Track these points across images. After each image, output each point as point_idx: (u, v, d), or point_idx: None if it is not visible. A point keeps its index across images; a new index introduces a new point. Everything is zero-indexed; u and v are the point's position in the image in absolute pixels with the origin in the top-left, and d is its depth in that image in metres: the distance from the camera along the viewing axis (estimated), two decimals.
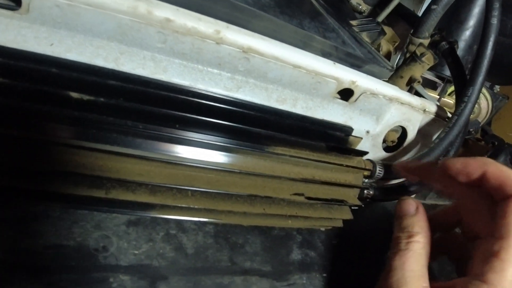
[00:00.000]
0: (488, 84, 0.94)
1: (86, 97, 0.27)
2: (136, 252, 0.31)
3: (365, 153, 0.38)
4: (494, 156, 0.89)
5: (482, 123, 0.90)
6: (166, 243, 0.32)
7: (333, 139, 0.38)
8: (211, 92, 0.36)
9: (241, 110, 0.33)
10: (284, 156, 0.32)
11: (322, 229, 0.41)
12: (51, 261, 0.29)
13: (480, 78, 0.46)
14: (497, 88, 0.96)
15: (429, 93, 0.69)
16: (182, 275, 0.31)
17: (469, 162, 0.33)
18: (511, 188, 0.30)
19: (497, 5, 0.48)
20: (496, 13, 0.48)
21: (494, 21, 0.48)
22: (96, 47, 0.33)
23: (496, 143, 0.87)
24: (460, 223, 0.37)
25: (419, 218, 0.34)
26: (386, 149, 0.51)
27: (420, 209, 0.35)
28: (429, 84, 0.84)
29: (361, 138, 0.40)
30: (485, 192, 0.32)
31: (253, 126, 0.32)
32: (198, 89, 0.35)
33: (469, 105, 0.46)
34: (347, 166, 0.35)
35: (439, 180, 0.35)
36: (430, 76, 0.78)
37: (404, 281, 0.30)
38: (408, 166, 0.37)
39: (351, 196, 0.37)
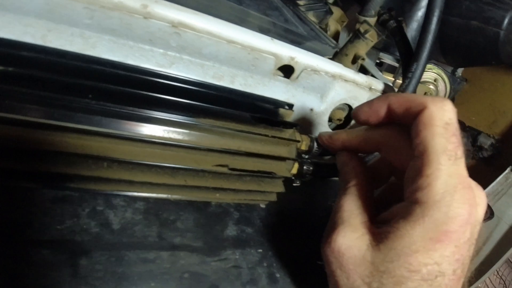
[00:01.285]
0: (450, 69, 0.95)
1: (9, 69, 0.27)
2: (59, 227, 0.30)
3: (295, 125, 0.38)
4: None
5: None
6: (91, 219, 0.32)
7: (262, 111, 0.37)
8: (141, 68, 0.35)
9: (167, 82, 0.33)
10: (207, 127, 0.31)
11: (263, 205, 0.41)
12: None
13: (425, 53, 0.47)
14: (459, 72, 0.97)
15: (386, 76, 0.70)
16: (105, 249, 0.31)
17: (373, 101, 0.34)
18: (415, 108, 0.30)
19: None
20: None
21: None
22: (25, 25, 0.33)
23: None
24: (392, 172, 0.38)
25: (352, 164, 0.36)
26: (334, 128, 0.51)
27: (352, 157, 0.37)
28: (393, 70, 0.84)
29: (292, 111, 0.40)
30: (401, 126, 0.33)
31: (178, 97, 0.31)
32: (128, 64, 0.35)
33: (413, 81, 0.46)
34: (275, 137, 0.35)
35: (357, 141, 0.36)
36: (389, 61, 0.79)
37: (341, 220, 0.32)
38: (330, 134, 0.38)
39: (283, 169, 0.37)
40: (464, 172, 0.29)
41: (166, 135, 0.30)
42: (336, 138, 0.37)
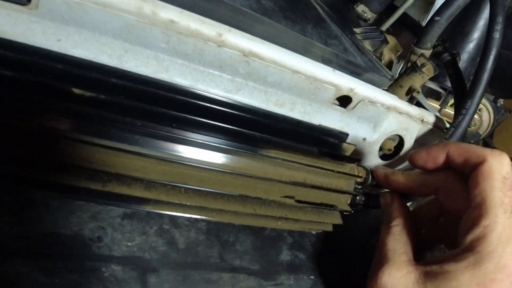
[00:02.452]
0: (492, 97, 0.94)
1: (87, 94, 0.29)
2: (129, 244, 0.32)
3: (357, 160, 0.39)
4: None
5: (483, 136, 0.90)
6: (159, 237, 0.33)
7: (327, 145, 0.38)
8: (211, 93, 0.37)
9: (236, 112, 0.34)
10: (276, 159, 0.33)
11: (314, 232, 0.42)
12: (47, 248, 0.30)
13: (479, 91, 0.47)
14: (500, 101, 0.96)
15: (431, 104, 0.70)
16: (172, 268, 0.32)
17: (431, 148, 0.35)
18: (474, 159, 0.32)
19: (500, 19, 0.49)
20: (499, 27, 0.49)
21: (497, 35, 0.49)
22: (102, 44, 0.34)
23: None
24: (442, 213, 0.38)
25: (395, 205, 0.37)
26: (383, 157, 0.52)
27: (394, 198, 0.38)
28: (433, 94, 0.84)
29: (355, 145, 0.41)
30: (457, 173, 0.34)
31: (248, 129, 0.33)
32: (198, 89, 0.36)
33: (467, 117, 0.47)
34: (338, 172, 0.36)
35: (414, 185, 0.37)
36: (434, 86, 0.79)
37: (386, 258, 0.33)
38: (386, 172, 0.39)
39: (342, 202, 0.38)
40: None
41: (238, 165, 0.31)
42: (392, 179, 0.38)
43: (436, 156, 0.34)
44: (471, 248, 0.29)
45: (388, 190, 0.39)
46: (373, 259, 0.35)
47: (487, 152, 0.31)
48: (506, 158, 0.31)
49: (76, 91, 0.28)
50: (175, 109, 0.30)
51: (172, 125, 0.29)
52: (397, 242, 0.34)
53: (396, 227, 0.35)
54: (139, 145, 0.28)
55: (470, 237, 0.30)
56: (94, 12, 0.32)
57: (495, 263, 0.28)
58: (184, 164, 0.30)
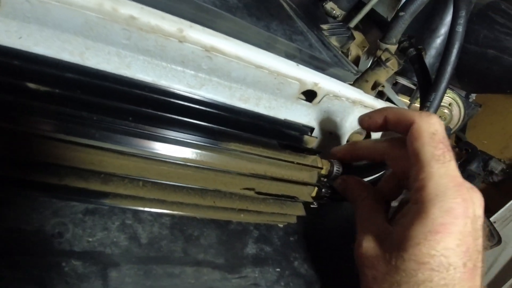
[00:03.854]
0: (463, 93, 0.96)
1: (42, 88, 0.29)
2: (90, 239, 0.32)
3: (318, 152, 0.39)
4: (468, 162, 0.91)
5: (454, 130, 0.92)
6: (121, 232, 0.33)
7: (287, 138, 0.39)
8: (174, 89, 0.37)
9: (197, 106, 0.34)
10: (236, 152, 0.33)
11: (280, 226, 0.42)
12: (9, 243, 0.30)
13: (443, 84, 0.48)
14: (473, 96, 0.98)
15: (402, 99, 0.71)
16: (133, 263, 0.32)
17: (373, 112, 0.40)
18: (405, 121, 0.35)
19: (463, 13, 0.50)
20: (461, 21, 0.50)
21: (459, 29, 0.50)
22: (63, 41, 0.34)
23: (469, 150, 0.89)
24: (402, 184, 0.40)
25: (352, 184, 0.41)
26: None
27: (348, 178, 0.42)
28: (407, 91, 0.85)
29: (316, 138, 0.42)
30: (401, 139, 0.37)
31: (208, 122, 0.33)
32: (161, 85, 0.37)
33: (431, 110, 0.48)
34: (298, 163, 0.36)
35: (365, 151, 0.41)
36: (406, 83, 0.80)
37: (361, 228, 0.36)
38: (341, 147, 0.43)
39: (305, 194, 0.38)
40: (454, 172, 0.32)
41: (198, 158, 0.31)
42: (345, 149, 0.43)
43: (376, 119, 0.39)
44: (415, 201, 0.32)
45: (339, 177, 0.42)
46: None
47: (415, 115, 0.35)
48: (433, 117, 0.35)
49: (31, 85, 0.28)
50: (133, 103, 0.31)
51: (129, 119, 0.29)
52: (367, 212, 0.37)
53: (363, 201, 0.38)
54: (95, 139, 0.28)
55: (413, 192, 0.33)
56: (55, 9, 0.32)
57: (439, 208, 0.30)
58: (143, 157, 0.30)
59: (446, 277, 0.29)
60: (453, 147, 0.88)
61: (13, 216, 0.31)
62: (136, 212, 0.35)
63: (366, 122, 0.40)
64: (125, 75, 0.36)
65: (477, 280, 0.31)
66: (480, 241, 0.32)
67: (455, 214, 0.30)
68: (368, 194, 0.39)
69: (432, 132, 0.34)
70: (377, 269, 0.32)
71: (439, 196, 0.31)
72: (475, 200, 0.32)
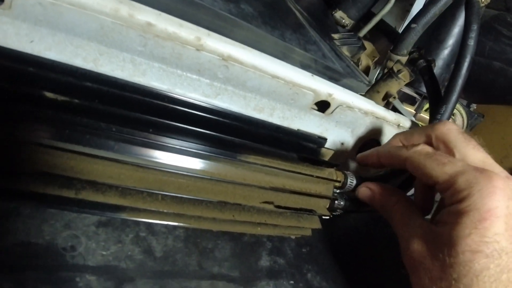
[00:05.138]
0: (465, 102, 0.97)
1: (60, 98, 0.28)
2: (104, 253, 0.31)
3: (336, 165, 0.39)
4: None
5: None
6: (135, 245, 0.32)
7: (306, 150, 0.39)
8: (189, 98, 0.36)
9: (215, 117, 0.34)
10: (255, 165, 0.32)
11: (293, 237, 0.42)
12: (19, 258, 0.29)
13: (454, 96, 0.48)
14: (473, 106, 0.98)
15: (406, 108, 0.71)
16: (149, 277, 0.31)
17: (368, 154, 0.41)
18: (399, 159, 0.37)
19: (475, 27, 0.50)
20: (473, 34, 0.50)
21: (471, 42, 0.50)
22: (76, 47, 0.33)
23: None
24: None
25: (379, 191, 0.40)
26: None
27: (373, 185, 0.41)
28: (408, 99, 0.86)
29: (333, 150, 0.41)
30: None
31: (226, 134, 0.32)
32: (176, 93, 0.36)
33: None
34: (317, 177, 0.36)
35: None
36: (409, 91, 0.80)
37: (406, 232, 0.35)
38: (363, 154, 0.43)
39: (321, 206, 0.38)
40: (483, 158, 0.35)
41: (217, 171, 0.31)
42: (368, 155, 0.42)
43: (373, 161, 0.41)
44: (451, 197, 0.32)
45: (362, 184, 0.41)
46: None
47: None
48: (447, 122, 0.38)
49: (49, 95, 0.27)
50: (152, 114, 0.30)
51: (149, 130, 0.29)
52: (405, 216, 0.37)
53: (396, 204, 0.38)
54: (114, 151, 0.28)
55: (446, 189, 0.33)
56: (68, 13, 0.31)
57: (480, 196, 0.30)
58: (161, 170, 0.29)
59: (501, 263, 0.30)
60: None
61: (22, 228, 0.30)
62: (149, 224, 0.34)
63: (364, 162, 0.41)
64: (139, 83, 0.35)
65: None
66: None
67: (496, 198, 0.30)
68: (399, 198, 0.38)
69: (449, 128, 0.36)
70: (432, 270, 0.32)
71: (475, 185, 0.31)
72: (509, 183, 0.32)
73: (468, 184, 0.31)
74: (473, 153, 0.35)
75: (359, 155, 0.43)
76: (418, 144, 0.37)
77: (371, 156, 0.42)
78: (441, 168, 0.34)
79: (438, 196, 0.40)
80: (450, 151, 0.36)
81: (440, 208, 0.38)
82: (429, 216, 0.40)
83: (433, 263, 0.32)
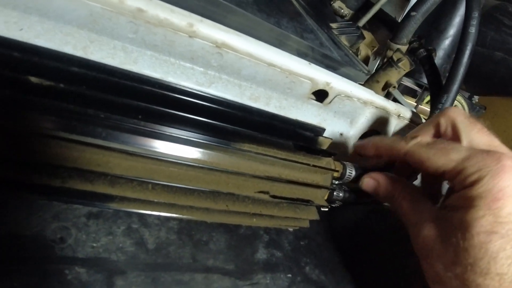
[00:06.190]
0: (467, 94, 0.96)
1: (45, 83, 0.27)
2: (95, 244, 0.30)
3: (334, 154, 0.38)
4: None
5: None
6: (127, 237, 0.31)
7: (302, 139, 0.37)
8: (182, 86, 0.35)
9: (207, 103, 0.33)
10: (250, 153, 0.31)
11: (290, 229, 0.41)
12: (6, 251, 0.28)
13: (455, 86, 0.47)
14: (475, 98, 0.97)
15: (408, 101, 0.70)
16: (140, 270, 0.30)
17: (366, 143, 0.40)
18: (398, 152, 0.36)
19: (476, 14, 0.49)
20: (474, 22, 0.49)
21: (472, 30, 0.49)
22: (66, 34, 0.33)
23: None
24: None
25: (386, 181, 0.39)
26: None
27: (378, 175, 0.40)
28: (409, 92, 0.85)
29: (331, 139, 0.40)
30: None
31: (219, 121, 0.31)
32: (169, 82, 0.35)
33: None
34: (314, 166, 0.35)
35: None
36: (410, 83, 0.79)
37: (414, 218, 0.35)
38: (362, 142, 0.42)
39: (318, 197, 0.37)
40: (488, 140, 0.34)
41: (210, 159, 0.30)
42: (369, 145, 0.41)
43: (370, 151, 0.40)
44: (461, 182, 0.32)
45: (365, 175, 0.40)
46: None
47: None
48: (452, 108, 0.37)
49: (33, 79, 0.26)
50: (142, 99, 0.29)
51: (138, 117, 0.27)
52: (413, 204, 0.36)
53: (402, 192, 0.37)
54: (102, 138, 0.27)
55: (454, 175, 0.32)
56: (58, 0, 0.30)
57: (491, 177, 0.30)
58: (151, 158, 0.28)
59: None
60: None
61: (10, 220, 0.29)
62: (142, 215, 0.33)
63: (361, 151, 0.41)
64: (130, 70, 0.34)
65: None
66: None
67: (506, 177, 0.30)
68: (405, 187, 0.38)
69: (455, 112, 0.35)
70: (445, 256, 0.31)
71: (484, 168, 0.31)
72: None
73: (477, 167, 0.31)
74: (479, 136, 0.35)
75: (356, 143, 0.42)
76: (417, 136, 0.36)
77: (368, 146, 0.41)
78: (446, 157, 0.33)
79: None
80: (456, 136, 0.35)
81: (449, 195, 0.37)
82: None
83: (446, 248, 0.31)
